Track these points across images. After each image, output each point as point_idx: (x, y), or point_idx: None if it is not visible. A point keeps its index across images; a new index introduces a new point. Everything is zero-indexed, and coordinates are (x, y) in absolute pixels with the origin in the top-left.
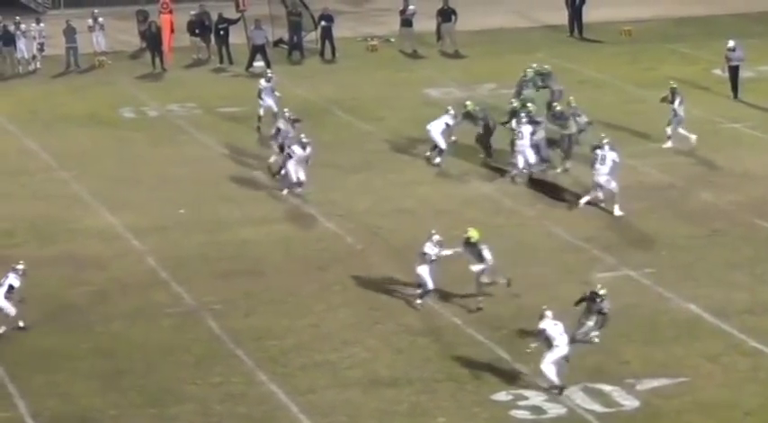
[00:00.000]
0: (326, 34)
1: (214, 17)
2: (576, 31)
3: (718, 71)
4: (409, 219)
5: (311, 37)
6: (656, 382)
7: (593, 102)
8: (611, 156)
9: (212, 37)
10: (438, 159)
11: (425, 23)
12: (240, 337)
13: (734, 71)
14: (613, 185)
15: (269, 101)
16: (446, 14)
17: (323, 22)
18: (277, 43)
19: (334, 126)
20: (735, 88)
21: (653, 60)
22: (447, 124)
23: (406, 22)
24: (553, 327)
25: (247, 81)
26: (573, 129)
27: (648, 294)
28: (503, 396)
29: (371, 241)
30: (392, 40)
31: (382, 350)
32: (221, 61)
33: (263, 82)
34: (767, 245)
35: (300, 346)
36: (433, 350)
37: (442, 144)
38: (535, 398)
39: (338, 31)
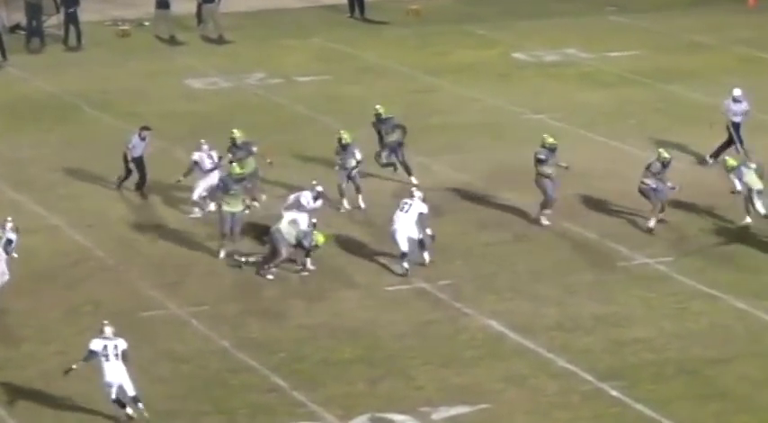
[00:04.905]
0: (71, 18)
1: None
2: (356, 11)
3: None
4: (169, 229)
5: (53, 21)
6: (453, 411)
7: (376, 92)
8: (419, 208)
9: None
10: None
11: (184, 4)
12: None
13: (736, 128)
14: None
15: None
16: None
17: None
18: (14, 29)
19: (82, 123)
20: (740, 143)
21: (445, 44)
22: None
23: (162, 4)
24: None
25: None
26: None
27: (444, 310)
28: None
29: (126, 255)
30: (146, 23)
31: (139, 379)
32: None
33: None
34: (577, 251)
35: (45, 375)
36: (199, 379)
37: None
38: None
39: (84, 15)
